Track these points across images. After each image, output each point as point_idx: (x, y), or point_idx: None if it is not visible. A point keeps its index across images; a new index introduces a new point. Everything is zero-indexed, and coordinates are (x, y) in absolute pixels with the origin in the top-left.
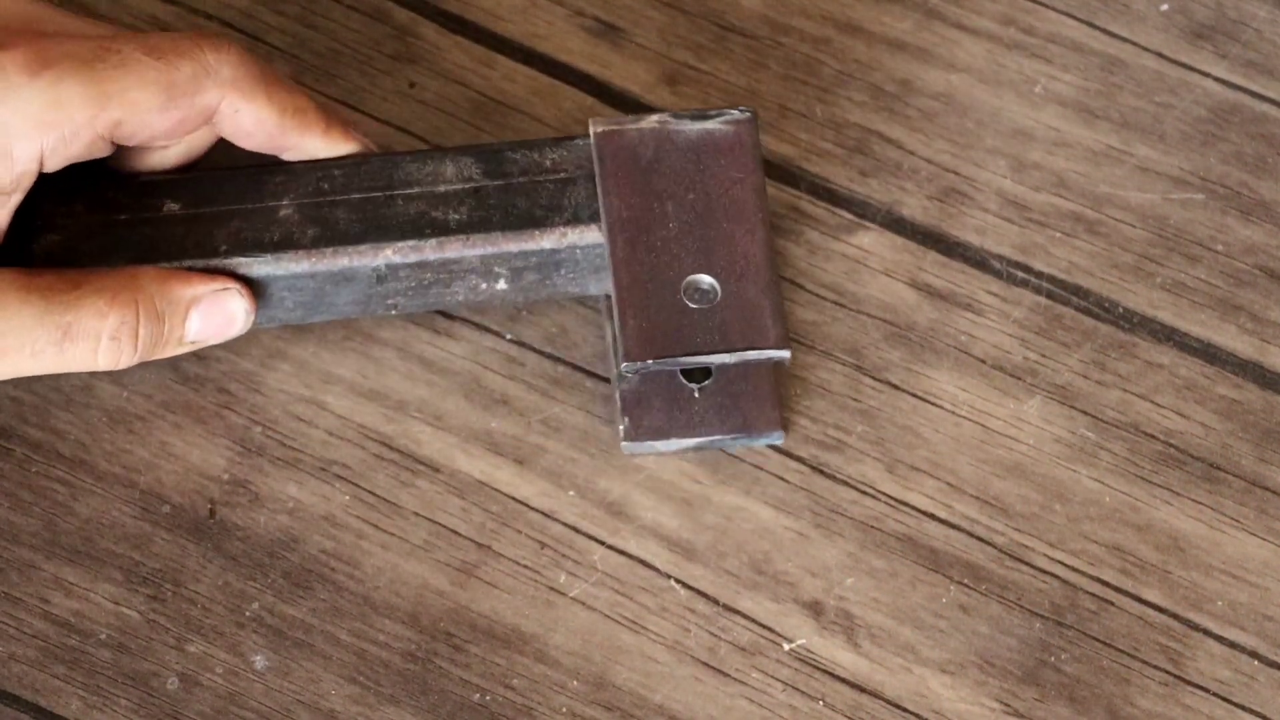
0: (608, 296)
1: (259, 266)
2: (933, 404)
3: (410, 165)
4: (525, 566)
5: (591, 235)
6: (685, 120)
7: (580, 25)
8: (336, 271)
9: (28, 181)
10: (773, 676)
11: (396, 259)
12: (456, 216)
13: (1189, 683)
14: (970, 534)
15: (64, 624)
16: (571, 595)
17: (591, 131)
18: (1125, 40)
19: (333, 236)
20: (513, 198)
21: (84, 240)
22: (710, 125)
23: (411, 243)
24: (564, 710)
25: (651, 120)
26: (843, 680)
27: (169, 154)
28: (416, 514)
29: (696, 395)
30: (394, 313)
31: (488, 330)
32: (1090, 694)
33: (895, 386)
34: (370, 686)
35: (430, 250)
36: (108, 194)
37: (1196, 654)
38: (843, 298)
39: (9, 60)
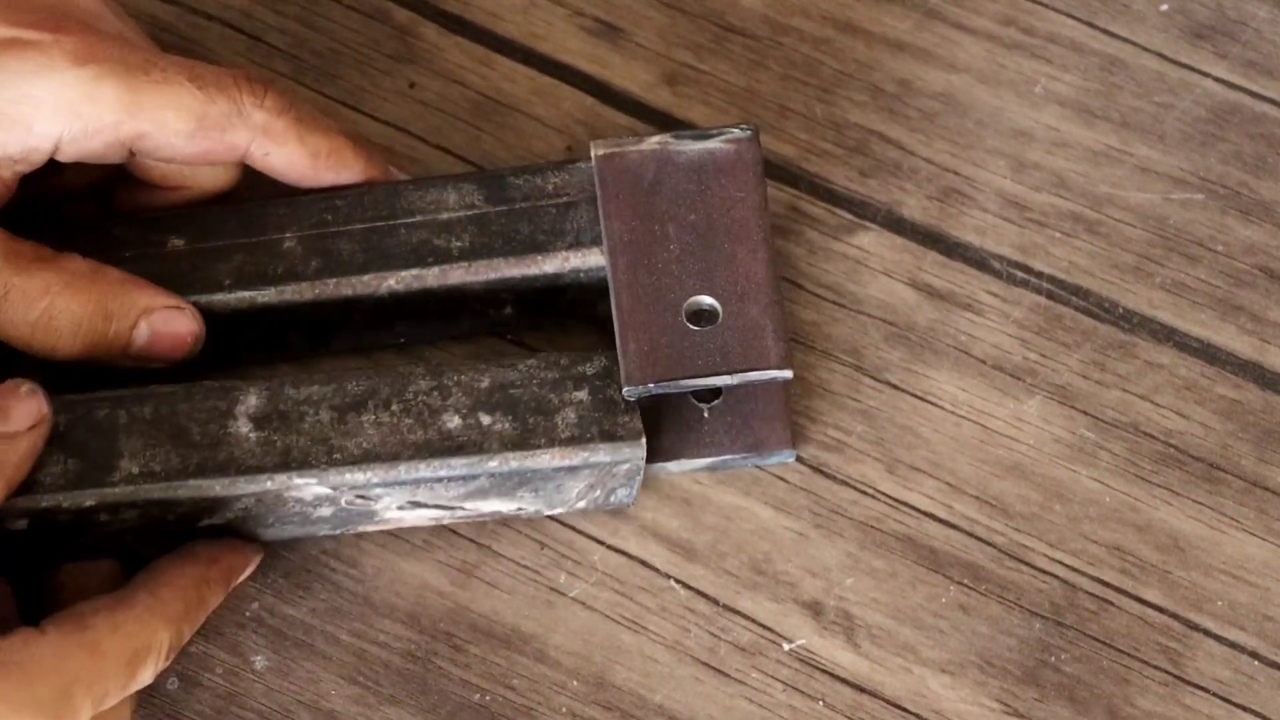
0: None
1: (263, 299)
2: (933, 404)
3: (412, 194)
4: (525, 566)
5: (594, 259)
6: (686, 140)
7: (580, 25)
8: (340, 302)
9: (37, 158)
10: (773, 676)
11: (399, 288)
12: (459, 244)
13: (1189, 683)
14: (970, 534)
15: None
16: (571, 595)
17: (593, 154)
18: (1125, 40)
19: (336, 267)
20: (515, 223)
21: None
22: (711, 145)
23: (414, 271)
24: (564, 710)
25: (653, 141)
26: (843, 680)
27: (187, 194)
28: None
29: (706, 415)
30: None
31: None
32: (1090, 694)
33: (895, 387)
34: (370, 686)
35: (433, 279)
36: (113, 230)
37: (1196, 654)
38: (843, 298)
39: (58, 45)
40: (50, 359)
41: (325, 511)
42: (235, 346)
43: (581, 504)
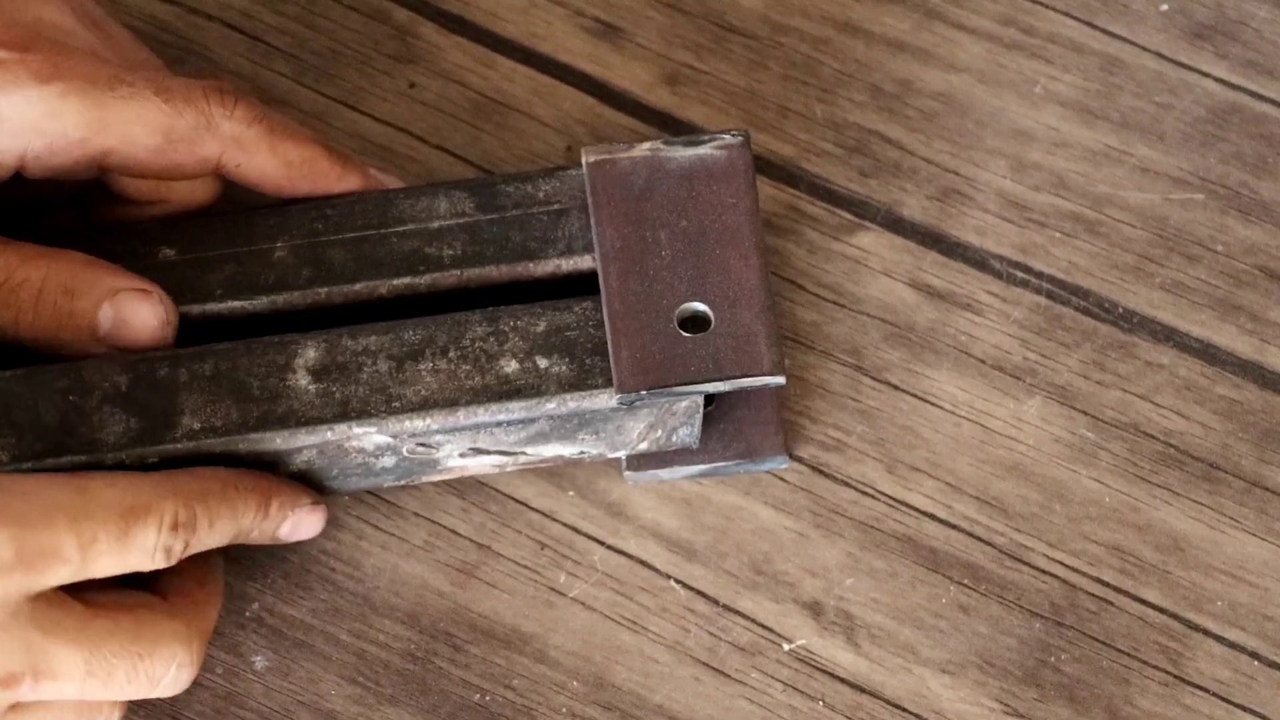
0: None
1: (254, 309)
2: (932, 404)
3: (404, 202)
4: (525, 567)
5: (585, 266)
6: (678, 146)
7: (580, 25)
8: (331, 311)
9: (2, 173)
10: (772, 677)
11: (391, 297)
12: (450, 252)
13: (1189, 683)
14: (970, 534)
15: None
16: (571, 595)
17: (584, 161)
18: (1125, 40)
19: (327, 276)
20: (506, 231)
21: None
22: (703, 151)
23: (405, 280)
24: (564, 710)
25: (644, 148)
26: (842, 680)
27: (164, 209)
28: (416, 514)
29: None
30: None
31: None
32: (1090, 694)
33: (895, 387)
34: (370, 687)
35: (424, 287)
36: (103, 242)
37: (1196, 654)
38: (843, 298)
39: (23, 63)
40: (15, 337)
41: (388, 461)
42: None
43: (644, 444)
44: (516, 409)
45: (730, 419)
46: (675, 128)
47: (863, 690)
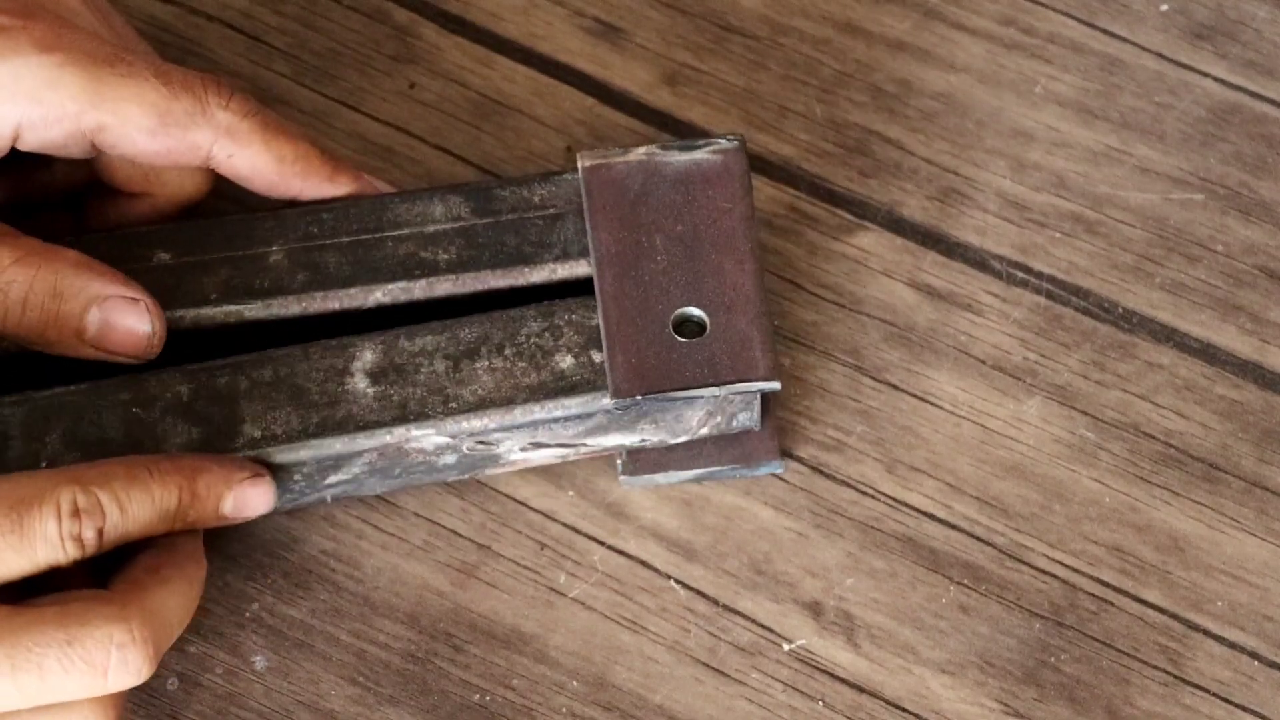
0: None
1: (249, 313)
2: (932, 404)
3: (399, 206)
4: (525, 567)
5: (581, 270)
6: (673, 151)
7: (580, 25)
8: (327, 316)
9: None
10: (772, 677)
11: (386, 301)
12: (446, 256)
13: (1189, 683)
14: (970, 534)
15: None
16: (571, 596)
17: (580, 166)
18: (1125, 40)
19: (322, 280)
20: (502, 235)
21: None
22: (698, 155)
23: (401, 284)
24: (564, 710)
25: (639, 152)
26: (842, 680)
27: (154, 203)
28: (416, 514)
29: None
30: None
31: None
32: (1090, 694)
33: (895, 387)
34: (370, 687)
35: (420, 291)
36: (98, 246)
37: (1196, 654)
38: (842, 298)
39: (26, 32)
40: (4, 335)
41: (449, 459)
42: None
43: (704, 430)
44: (573, 405)
45: None
46: (675, 128)
47: (863, 690)
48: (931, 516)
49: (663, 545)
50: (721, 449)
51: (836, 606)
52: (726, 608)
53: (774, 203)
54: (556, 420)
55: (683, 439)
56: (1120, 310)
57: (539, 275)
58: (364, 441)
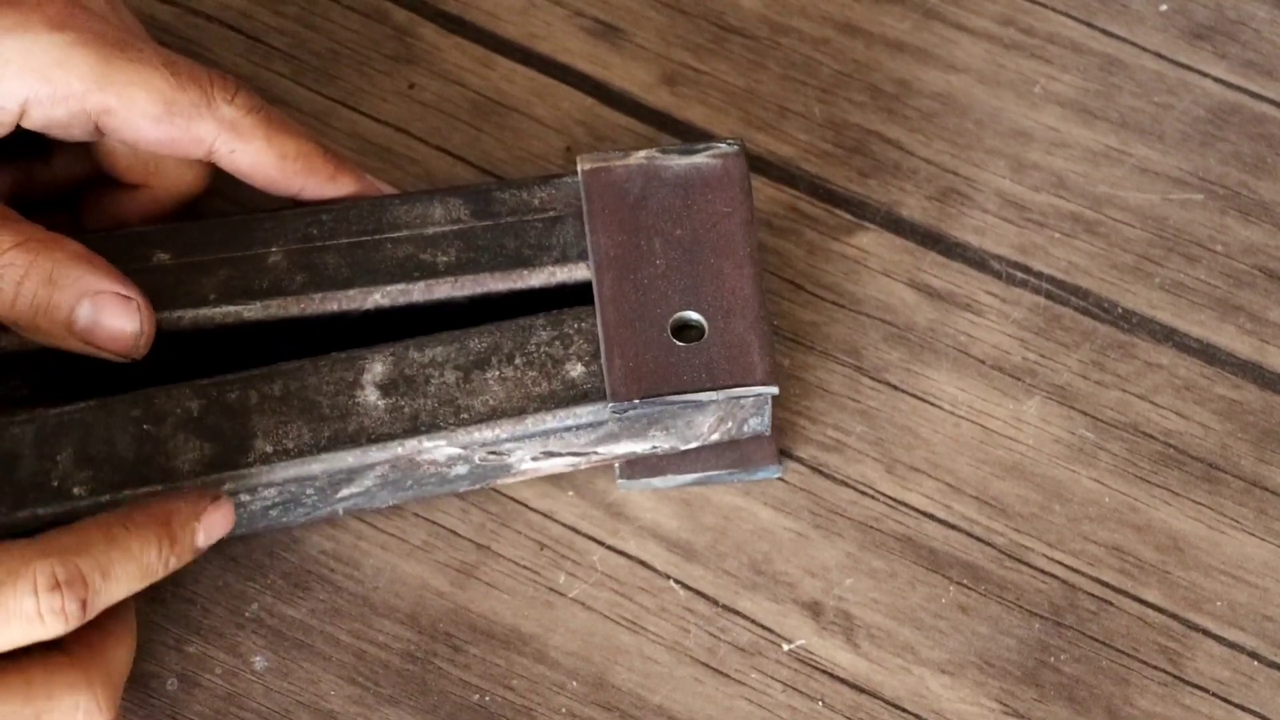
0: None
1: (248, 314)
2: (932, 404)
3: (398, 208)
4: (525, 567)
5: (580, 274)
6: (673, 155)
7: (580, 25)
8: (325, 317)
9: (2, 117)
10: (772, 677)
11: (385, 302)
12: (445, 258)
13: (1188, 683)
14: (969, 534)
15: None
16: (571, 596)
17: (579, 169)
18: (1124, 40)
19: (321, 282)
20: (501, 238)
21: None
22: (697, 159)
23: (400, 286)
24: (563, 710)
25: (639, 156)
26: (842, 680)
27: (151, 196)
28: (416, 514)
29: None
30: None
31: None
32: (1089, 694)
33: (894, 387)
34: (369, 687)
35: (418, 293)
36: (97, 246)
37: (1196, 654)
38: (842, 298)
39: (39, 9)
40: None
41: (461, 470)
42: (220, 361)
43: (715, 436)
44: (585, 414)
45: None
46: (674, 128)
47: (862, 690)
48: (931, 516)
49: (662, 545)
50: (719, 453)
51: (836, 607)
52: (726, 608)
53: (773, 203)
54: (568, 429)
55: (693, 444)
56: (1120, 310)
57: (538, 278)
58: (376, 454)
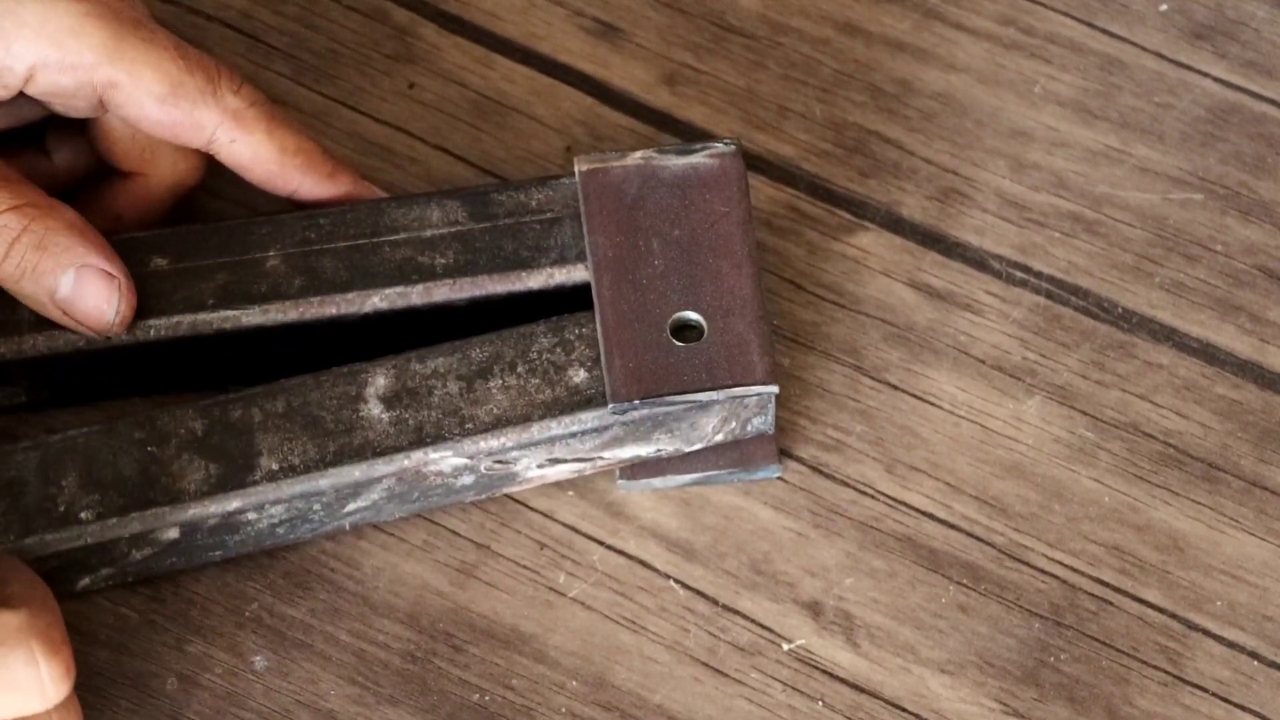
0: None
1: (246, 318)
2: (932, 404)
3: (396, 211)
4: (524, 567)
5: (578, 275)
6: (670, 155)
7: (580, 25)
8: (324, 321)
9: (9, 80)
10: (772, 677)
11: (383, 305)
12: (443, 261)
13: (1188, 683)
14: (969, 534)
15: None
16: (571, 595)
17: (577, 170)
18: (1124, 40)
19: (320, 285)
20: (499, 240)
21: None
22: (695, 159)
23: (398, 289)
24: (563, 710)
25: (636, 156)
26: (842, 680)
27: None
28: (416, 514)
29: None
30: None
31: None
32: (1089, 694)
33: (894, 387)
34: (369, 687)
35: (417, 296)
36: None
37: (1196, 654)
38: (842, 298)
39: None
40: None
41: (467, 480)
42: (219, 365)
43: (719, 437)
44: (589, 419)
45: None
46: (675, 128)
47: (862, 690)
48: (931, 516)
49: (662, 545)
50: (719, 453)
51: (836, 606)
52: (726, 608)
53: (773, 202)
54: (573, 435)
55: (698, 446)
56: (1120, 310)
57: (536, 280)
58: (382, 467)
